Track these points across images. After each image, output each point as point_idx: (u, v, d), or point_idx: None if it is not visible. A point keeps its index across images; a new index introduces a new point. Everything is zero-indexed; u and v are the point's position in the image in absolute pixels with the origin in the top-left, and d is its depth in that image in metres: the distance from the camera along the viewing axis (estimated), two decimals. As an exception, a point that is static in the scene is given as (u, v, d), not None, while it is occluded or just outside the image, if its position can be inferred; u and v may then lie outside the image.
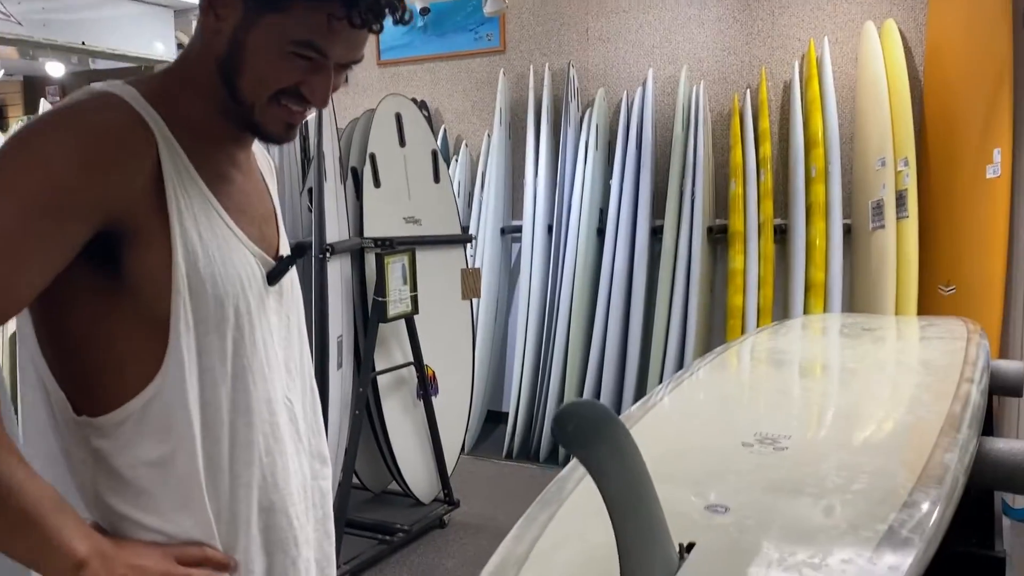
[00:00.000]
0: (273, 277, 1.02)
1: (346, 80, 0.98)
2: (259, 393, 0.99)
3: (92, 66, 5.37)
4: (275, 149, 3.20)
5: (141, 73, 0.98)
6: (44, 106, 3.64)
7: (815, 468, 1.15)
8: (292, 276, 1.08)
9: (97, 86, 0.92)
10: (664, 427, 1.39)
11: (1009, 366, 1.98)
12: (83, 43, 4.12)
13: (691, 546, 0.93)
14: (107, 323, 0.89)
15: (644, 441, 1.32)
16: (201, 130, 0.95)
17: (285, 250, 1.06)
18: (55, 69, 5.08)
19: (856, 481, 1.10)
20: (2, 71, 5.19)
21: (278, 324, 1.03)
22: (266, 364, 1.00)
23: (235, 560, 0.96)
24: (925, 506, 1.02)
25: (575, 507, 1.01)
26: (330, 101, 0.98)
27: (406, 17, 0.98)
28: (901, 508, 1.01)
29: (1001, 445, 1.43)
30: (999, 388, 2.01)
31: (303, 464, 1.08)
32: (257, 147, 1.13)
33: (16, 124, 4.84)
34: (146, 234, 0.88)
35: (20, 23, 3.81)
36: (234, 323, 0.95)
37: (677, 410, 1.49)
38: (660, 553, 0.84)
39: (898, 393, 1.56)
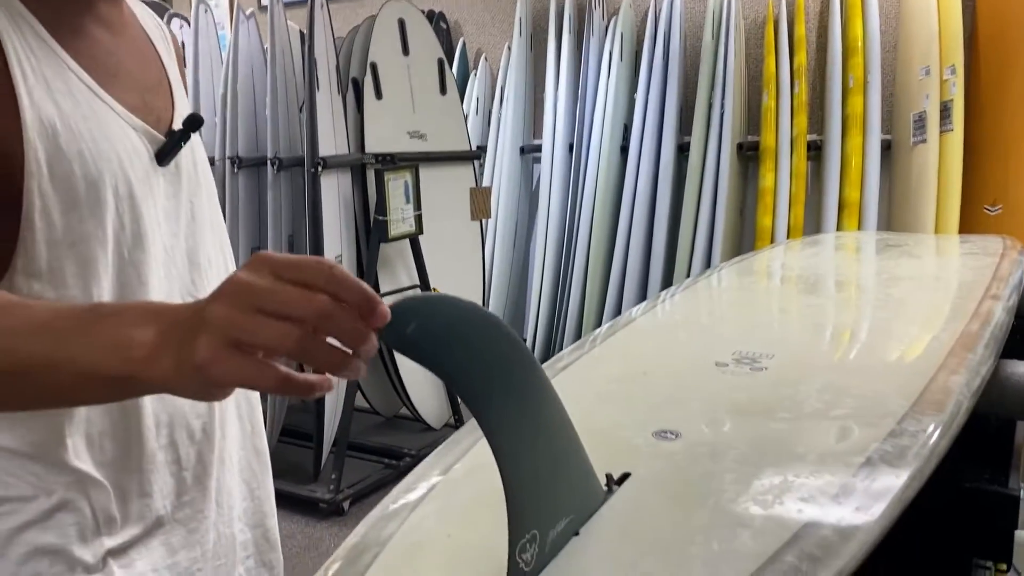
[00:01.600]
0: (163, 156, 0.86)
1: None
2: (151, 287, 0.84)
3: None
4: (268, 59, 3.04)
5: None
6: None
7: (793, 390, 0.99)
8: (196, 156, 0.92)
9: None
10: (637, 343, 1.24)
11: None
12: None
13: (625, 477, 0.79)
14: None
15: (604, 362, 1.18)
16: None
17: (179, 121, 0.90)
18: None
19: (838, 406, 0.94)
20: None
21: (175, 210, 0.88)
22: (161, 255, 0.86)
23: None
24: (916, 435, 0.86)
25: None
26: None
27: None
28: (885, 438, 0.85)
29: (1024, 369, 1.25)
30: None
31: None
32: (147, 12, 0.97)
33: None
34: None
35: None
36: (114, 207, 0.80)
37: (660, 324, 1.34)
38: (572, 489, 0.70)
39: (910, 310, 1.38)
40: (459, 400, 3.41)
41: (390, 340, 0.53)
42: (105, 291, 0.79)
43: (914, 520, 0.95)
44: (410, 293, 0.58)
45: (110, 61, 0.83)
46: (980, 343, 1.13)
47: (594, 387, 1.04)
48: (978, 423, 1.27)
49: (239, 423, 0.99)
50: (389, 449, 3.29)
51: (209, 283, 0.91)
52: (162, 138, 0.86)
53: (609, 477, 0.77)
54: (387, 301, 0.54)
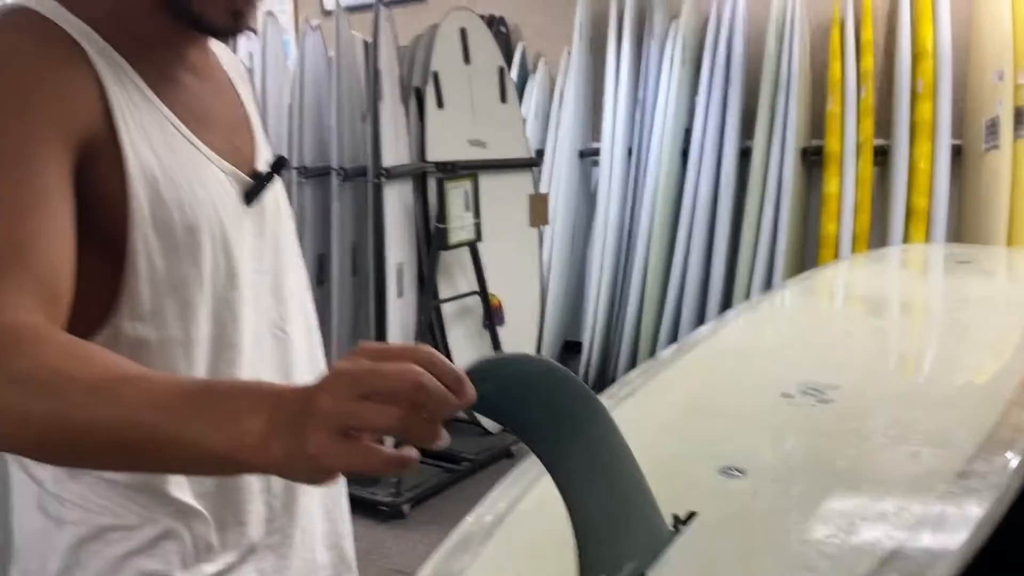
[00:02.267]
0: (251, 196, 0.90)
1: None
2: (244, 324, 0.88)
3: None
4: (333, 69, 3.10)
5: None
6: None
7: (859, 425, 0.98)
8: (277, 193, 0.96)
9: (7, 3, 0.80)
10: (702, 370, 1.24)
11: None
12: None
13: (691, 516, 0.80)
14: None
15: (669, 390, 1.18)
16: (137, 30, 0.82)
17: (264, 161, 0.94)
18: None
19: (904, 443, 0.94)
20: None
21: (260, 247, 0.92)
22: (250, 292, 0.89)
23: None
24: (985, 477, 0.85)
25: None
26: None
27: None
28: (954, 479, 0.85)
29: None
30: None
31: None
32: (224, 50, 1.01)
33: None
34: (100, 158, 0.77)
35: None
36: (210, 250, 0.84)
37: (724, 349, 1.34)
38: (639, 531, 0.71)
39: (978, 336, 1.35)
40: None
41: (477, 406, 0.56)
42: (203, 331, 0.84)
43: (982, 561, 0.94)
44: (484, 354, 0.60)
45: (201, 107, 0.87)
46: (1055, 376, 1.11)
47: (659, 418, 1.05)
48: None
49: None
50: (448, 453, 3.33)
51: (293, 315, 0.95)
52: (249, 179, 0.90)
53: (676, 517, 0.79)
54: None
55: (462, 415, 2.94)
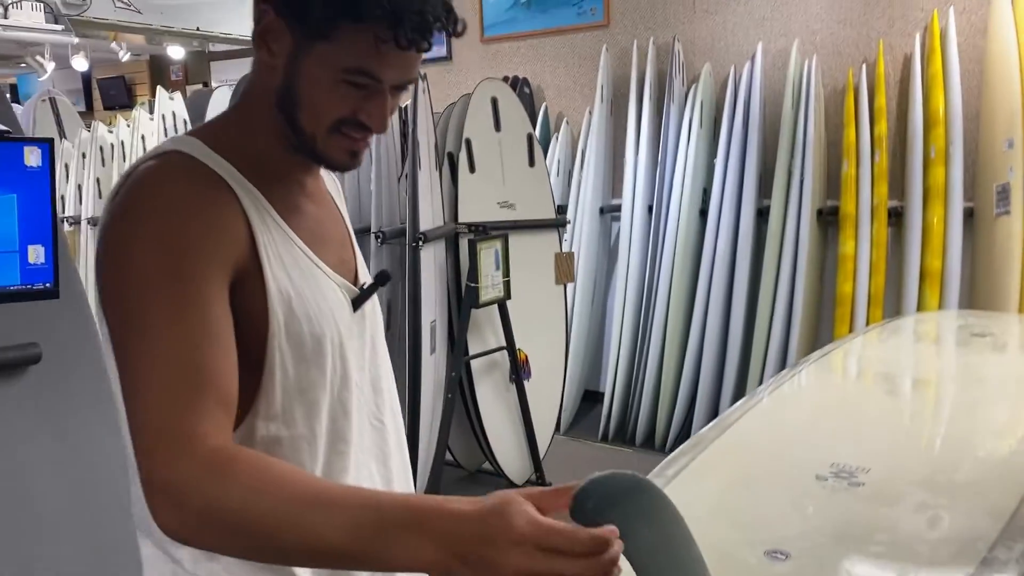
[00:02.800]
0: (357, 303, 1.02)
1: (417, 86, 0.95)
2: (353, 419, 1.00)
3: (210, 48, 5.58)
4: (374, 138, 3.25)
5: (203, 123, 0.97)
6: (161, 93, 3.81)
7: (890, 510, 1.09)
8: (373, 298, 1.09)
9: (165, 145, 0.94)
10: (737, 453, 1.35)
11: None
12: (197, 28, 4.29)
13: (744, 598, 0.90)
14: None
15: (712, 469, 1.29)
16: (270, 167, 0.95)
17: (363, 270, 1.07)
18: (176, 52, 5.31)
19: (934, 528, 1.04)
20: (128, 53, 5.46)
21: (362, 347, 1.04)
22: (358, 389, 1.01)
23: None
24: (1006, 564, 0.95)
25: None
26: (389, 123, 0.96)
27: (458, 29, 0.94)
28: (979, 565, 0.95)
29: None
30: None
31: (394, 491, 1.06)
32: (325, 172, 1.13)
33: (142, 103, 5.09)
34: (245, 282, 0.89)
35: (140, 11, 4.00)
36: (330, 356, 0.96)
37: (754, 431, 1.44)
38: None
39: (995, 416, 1.46)
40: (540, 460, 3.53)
41: (579, 517, 0.67)
42: (323, 428, 0.95)
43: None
44: (595, 475, 0.72)
45: (317, 228, 1.00)
46: (1067, 462, 1.21)
47: (705, 500, 1.15)
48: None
49: None
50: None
51: (386, 406, 1.07)
52: (356, 289, 1.02)
53: (731, 599, 0.89)
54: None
55: (489, 467, 3.03)
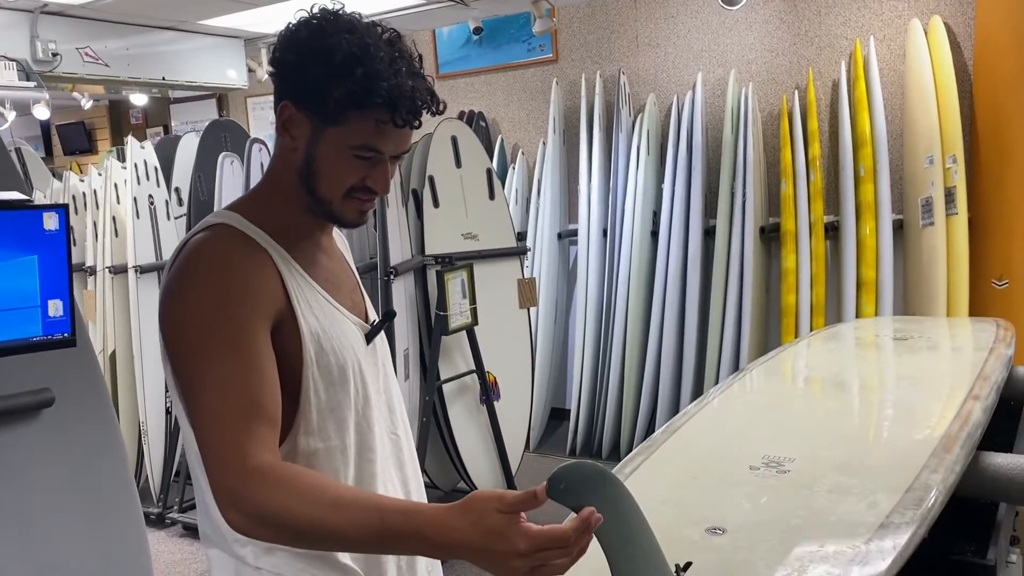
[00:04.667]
0: (369, 338, 1.23)
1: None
2: (375, 432, 1.20)
3: (171, 94, 5.72)
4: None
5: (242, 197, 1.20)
6: (132, 142, 3.96)
7: (809, 491, 1.30)
8: (382, 333, 1.30)
9: (210, 220, 1.14)
10: (684, 452, 1.56)
11: (1033, 373, 2.08)
12: (163, 77, 4.44)
13: (688, 565, 1.10)
14: None
15: (663, 466, 1.50)
16: (293, 230, 1.16)
17: (371, 310, 1.29)
18: (138, 99, 5.45)
19: (842, 503, 1.26)
20: (91, 101, 5.58)
21: (376, 373, 1.24)
22: (377, 407, 1.22)
23: None
24: (899, 528, 1.17)
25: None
26: (391, 184, 1.18)
27: (440, 109, 1.17)
28: (877, 529, 1.17)
29: (1000, 460, 1.55)
30: (1026, 394, 2.11)
31: (411, 493, 1.28)
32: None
33: (106, 152, 5.22)
34: (283, 325, 1.10)
35: (107, 64, 4.15)
36: (352, 381, 1.16)
37: (700, 431, 1.66)
38: (656, 574, 1.02)
39: (906, 412, 1.69)
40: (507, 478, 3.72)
41: (553, 495, 0.88)
42: (351, 440, 1.16)
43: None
44: (565, 464, 0.93)
45: (332, 278, 1.21)
46: (957, 444, 1.44)
47: (656, 491, 1.36)
48: (966, 505, 1.57)
49: None
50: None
51: (399, 421, 1.28)
52: (368, 326, 1.23)
53: (677, 566, 1.09)
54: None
55: (464, 486, 3.25)
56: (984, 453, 1.55)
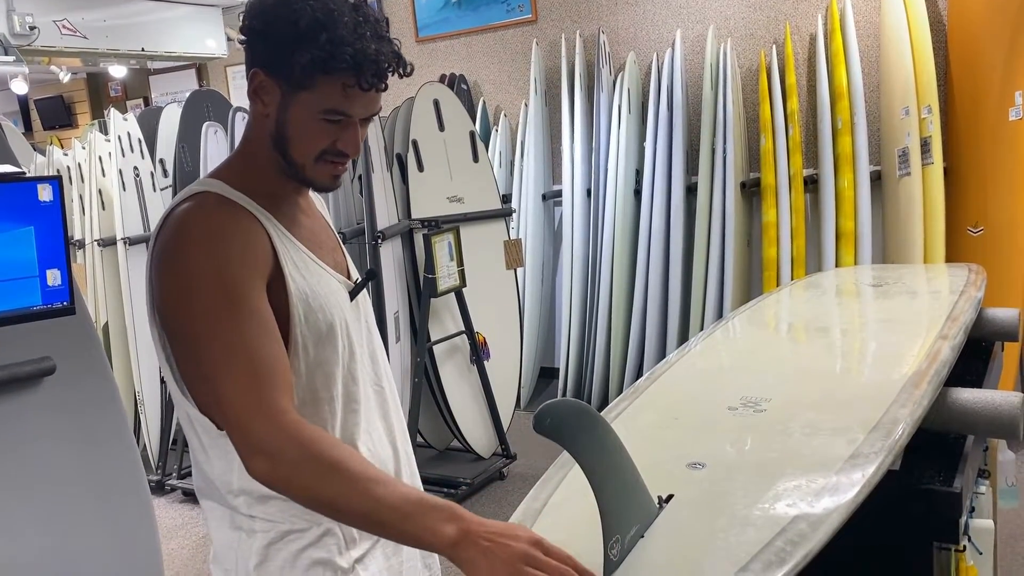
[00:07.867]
0: (352, 295, 1.28)
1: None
2: (360, 385, 1.26)
3: (150, 66, 5.69)
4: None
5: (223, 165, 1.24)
6: (115, 114, 3.96)
7: (784, 427, 1.37)
8: (364, 291, 1.35)
9: (193, 188, 1.18)
10: (666, 396, 1.63)
11: (1003, 313, 2.17)
12: (143, 48, 4.43)
13: (670, 497, 1.18)
14: None
15: (645, 410, 1.56)
16: (274, 194, 1.20)
17: (352, 268, 1.34)
18: (117, 71, 5.42)
19: (816, 437, 1.33)
20: (69, 74, 5.55)
21: (360, 328, 1.30)
22: (361, 361, 1.27)
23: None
24: (869, 457, 1.24)
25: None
26: (361, 146, 1.22)
27: (407, 72, 1.20)
28: (848, 458, 1.24)
29: (966, 395, 1.63)
30: (997, 334, 2.19)
31: (396, 440, 1.33)
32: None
33: (88, 125, 5.20)
34: (273, 285, 1.14)
35: (85, 36, 4.13)
36: (339, 337, 1.21)
37: (681, 377, 1.73)
38: (638, 507, 1.09)
39: (879, 352, 1.76)
40: (504, 435, 3.80)
41: (539, 430, 0.94)
42: (338, 392, 1.21)
43: (884, 514, 1.34)
44: (551, 401, 0.99)
45: (314, 237, 1.25)
46: (925, 380, 1.51)
47: (641, 431, 1.43)
48: (935, 438, 1.65)
49: (407, 461, 1.39)
50: (447, 479, 3.68)
51: (383, 374, 1.33)
52: (351, 283, 1.28)
53: (660, 498, 1.17)
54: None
55: (457, 444, 3.35)
56: (952, 389, 1.63)
